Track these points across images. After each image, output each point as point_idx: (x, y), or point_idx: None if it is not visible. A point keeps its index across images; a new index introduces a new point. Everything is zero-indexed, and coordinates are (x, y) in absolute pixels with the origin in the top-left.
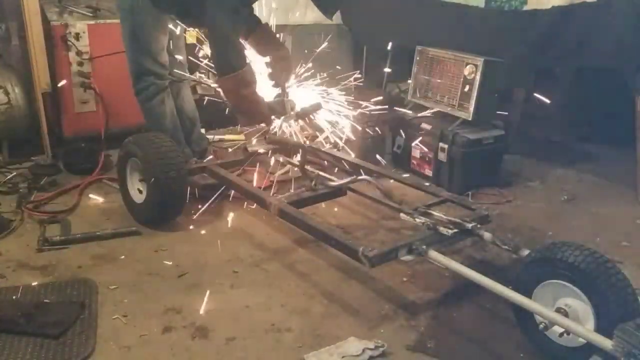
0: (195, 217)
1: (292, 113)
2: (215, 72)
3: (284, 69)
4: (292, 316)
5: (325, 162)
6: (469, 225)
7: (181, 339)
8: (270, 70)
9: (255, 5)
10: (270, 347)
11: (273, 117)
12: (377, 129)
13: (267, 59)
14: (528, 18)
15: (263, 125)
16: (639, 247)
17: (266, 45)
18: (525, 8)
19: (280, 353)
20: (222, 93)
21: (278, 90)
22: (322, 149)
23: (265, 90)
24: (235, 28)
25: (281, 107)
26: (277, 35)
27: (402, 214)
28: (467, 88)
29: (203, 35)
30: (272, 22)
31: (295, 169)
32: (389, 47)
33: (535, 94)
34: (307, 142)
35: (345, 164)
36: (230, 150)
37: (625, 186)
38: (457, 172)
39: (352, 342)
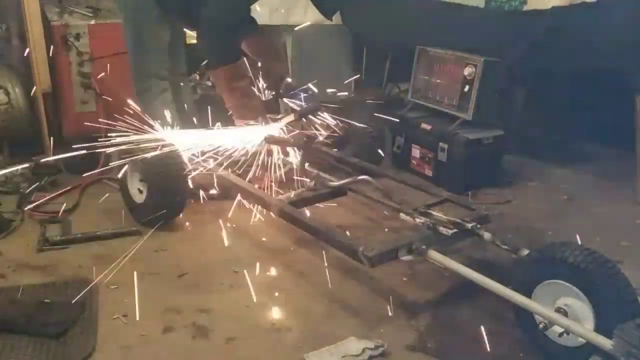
0: (195, 217)
1: (293, 114)
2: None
3: (277, 71)
4: (292, 316)
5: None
6: (469, 225)
7: (181, 339)
8: (263, 73)
9: (255, 6)
10: (270, 347)
11: (269, 115)
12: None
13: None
14: (528, 18)
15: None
16: (639, 247)
17: (260, 48)
18: (525, 8)
19: (280, 353)
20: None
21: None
22: (322, 149)
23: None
24: (230, 20)
25: (276, 105)
26: (274, 37)
27: (402, 214)
28: (467, 88)
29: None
30: (272, 22)
31: (296, 168)
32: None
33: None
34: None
35: (345, 164)
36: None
37: (625, 186)
38: (457, 172)
39: (352, 342)
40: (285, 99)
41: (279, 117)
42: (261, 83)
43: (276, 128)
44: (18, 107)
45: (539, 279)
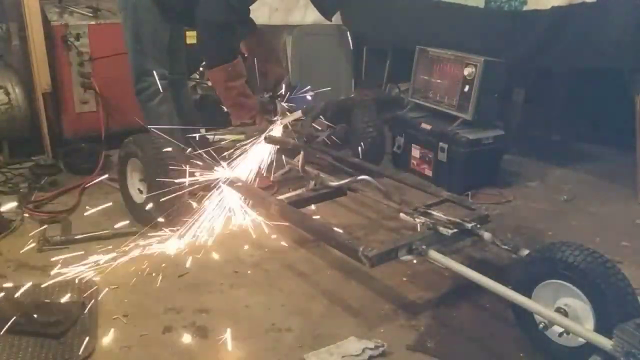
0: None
1: (299, 110)
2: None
3: (275, 72)
4: (292, 316)
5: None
6: (469, 225)
7: (181, 339)
8: (261, 74)
9: (255, 6)
10: (270, 347)
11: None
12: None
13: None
14: (528, 18)
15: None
16: (639, 247)
17: (258, 49)
18: (525, 8)
19: (280, 353)
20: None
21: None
22: (323, 149)
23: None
24: (227, 20)
25: (272, 106)
26: (274, 37)
27: (402, 214)
28: (467, 88)
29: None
30: (272, 22)
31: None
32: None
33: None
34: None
35: (345, 164)
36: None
37: (625, 186)
38: (457, 172)
39: (352, 342)
40: (282, 103)
41: (274, 118)
42: (258, 84)
43: (279, 126)
44: (18, 107)
45: (539, 279)
